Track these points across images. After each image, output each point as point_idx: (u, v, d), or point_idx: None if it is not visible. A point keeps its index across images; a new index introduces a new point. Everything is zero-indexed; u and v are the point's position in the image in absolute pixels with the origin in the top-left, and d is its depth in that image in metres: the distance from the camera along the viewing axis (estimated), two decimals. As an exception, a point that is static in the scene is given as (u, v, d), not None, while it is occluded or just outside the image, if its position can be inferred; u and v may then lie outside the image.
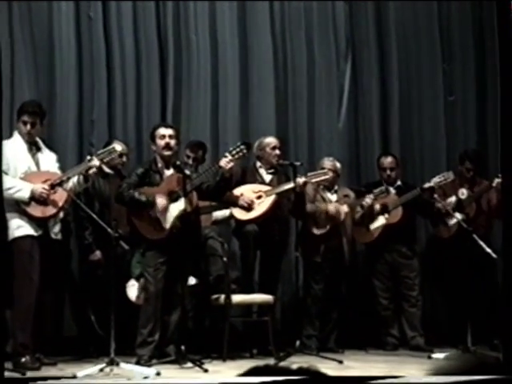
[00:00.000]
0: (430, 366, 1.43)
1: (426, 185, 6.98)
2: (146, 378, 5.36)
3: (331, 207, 6.96)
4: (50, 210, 5.76)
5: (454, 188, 7.18)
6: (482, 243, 6.44)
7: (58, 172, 5.93)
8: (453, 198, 7.12)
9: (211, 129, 7.57)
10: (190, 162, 6.82)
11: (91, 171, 5.80)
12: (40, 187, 5.70)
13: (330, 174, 6.89)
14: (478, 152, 7.48)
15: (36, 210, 5.72)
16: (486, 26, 8.02)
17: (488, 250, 6.40)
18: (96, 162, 5.78)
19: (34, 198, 5.70)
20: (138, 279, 6.36)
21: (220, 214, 6.91)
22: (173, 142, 6.19)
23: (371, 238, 7.20)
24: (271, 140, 6.94)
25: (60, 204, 5.79)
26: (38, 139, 5.96)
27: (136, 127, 7.44)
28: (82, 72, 7.33)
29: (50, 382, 1.99)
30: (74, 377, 5.19)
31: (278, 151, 6.88)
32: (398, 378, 1.54)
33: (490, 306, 7.15)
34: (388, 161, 7.34)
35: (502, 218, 7.38)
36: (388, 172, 7.30)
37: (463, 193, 7.14)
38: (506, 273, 2.32)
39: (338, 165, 7.10)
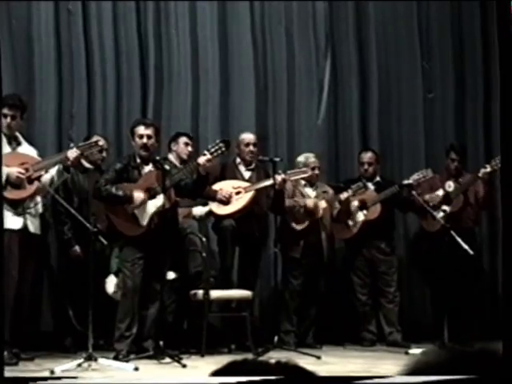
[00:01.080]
0: (407, 361, 1.42)
1: (405, 182, 7.01)
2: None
3: (309, 202, 6.98)
4: (26, 192, 5.68)
5: (441, 181, 7.22)
6: (459, 240, 6.48)
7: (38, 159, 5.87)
8: (440, 192, 7.16)
9: (191, 125, 7.56)
10: (173, 156, 6.80)
11: (69, 162, 5.73)
12: (15, 171, 5.63)
13: (310, 172, 6.92)
14: (462, 144, 7.53)
15: (11, 193, 5.63)
16: (465, 24, 8.08)
17: (465, 247, 6.45)
18: (75, 152, 5.72)
19: (10, 182, 5.63)
20: (116, 274, 6.35)
21: (198, 211, 6.91)
22: (151, 142, 6.14)
23: (350, 234, 7.23)
24: (245, 136, 6.95)
25: (34, 186, 5.71)
26: (18, 134, 5.92)
27: (116, 122, 7.42)
28: (61, 67, 7.29)
29: (50, 382, 1.99)
30: (66, 377, 5.17)
31: (251, 147, 6.89)
32: (385, 378, 1.54)
33: (468, 301, 7.21)
34: (368, 156, 7.38)
35: (489, 211, 7.48)
36: (366, 167, 7.33)
37: (450, 185, 7.18)
38: (506, 272, 2.34)
39: (314, 159, 7.11)
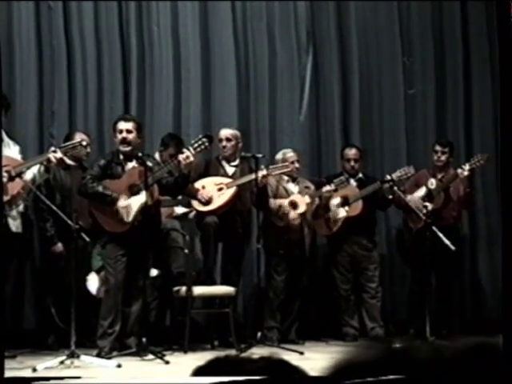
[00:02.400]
0: (340, 354, 1.40)
1: (387, 179, 7.04)
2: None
3: (295, 198, 7.02)
4: (4, 197, 5.66)
5: (425, 178, 7.26)
6: (441, 235, 6.52)
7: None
8: (423, 189, 7.19)
9: (173, 121, 7.56)
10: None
11: (52, 163, 5.74)
12: None
13: (292, 167, 6.94)
14: (448, 140, 7.56)
15: None
16: (446, 20, 8.11)
17: (447, 243, 6.49)
18: (59, 154, 5.72)
19: None
20: (98, 272, 6.33)
21: (180, 210, 6.91)
22: (131, 137, 6.13)
23: (332, 231, 7.25)
24: (220, 132, 6.94)
25: (14, 192, 5.70)
26: (1, 130, 5.89)
27: (97, 119, 7.40)
28: (42, 63, 7.27)
29: (52, 382, 1.97)
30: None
31: (225, 143, 6.88)
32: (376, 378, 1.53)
33: (449, 296, 7.26)
34: (352, 152, 7.38)
35: (467, 209, 7.52)
36: (352, 163, 7.33)
37: (432, 183, 7.22)
38: (507, 270, 2.35)
39: (292, 154, 7.12)
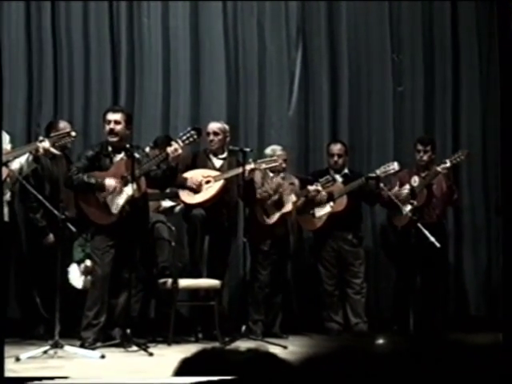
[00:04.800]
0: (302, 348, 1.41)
1: (371, 174, 7.06)
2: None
3: (275, 180, 7.05)
4: None
5: (410, 176, 7.28)
6: (426, 232, 6.55)
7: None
8: (407, 186, 7.21)
9: (162, 113, 7.55)
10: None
11: (40, 153, 5.72)
12: None
13: (280, 161, 6.95)
14: (430, 137, 7.59)
15: None
16: (435, 18, 8.13)
17: (432, 239, 6.51)
18: (46, 143, 5.71)
19: None
20: (79, 264, 6.29)
21: (167, 204, 6.90)
22: (118, 128, 6.11)
23: (316, 226, 7.26)
24: (208, 126, 6.93)
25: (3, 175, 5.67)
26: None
27: (84, 109, 7.38)
28: (30, 53, 7.25)
29: (45, 382, 1.97)
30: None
31: (212, 137, 6.87)
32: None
33: (433, 293, 7.28)
34: (337, 147, 7.38)
35: (451, 205, 7.55)
36: (336, 158, 7.33)
37: (415, 180, 7.24)
38: (506, 269, 2.37)
39: (281, 152, 7.14)
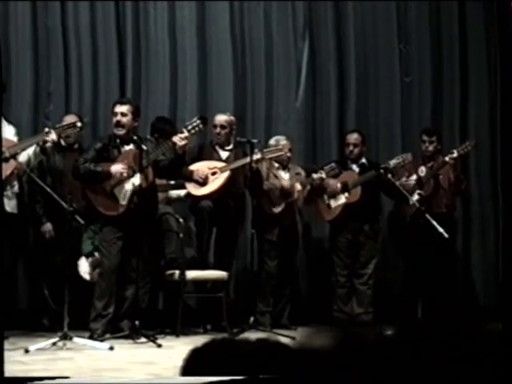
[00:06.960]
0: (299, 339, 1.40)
1: (382, 165, 7.04)
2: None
3: (285, 183, 7.02)
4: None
5: (416, 166, 7.25)
6: (434, 223, 6.53)
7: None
8: (414, 177, 7.19)
9: (170, 105, 7.54)
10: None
11: (48, 144, 5.74)
12: None
13: (286, 151, 6.94)
14: (435, 128, 7.56)
15: None
16: (443, 8, 8.09)
17: (440, 230, 6.50)
18: (53, 135, 5.73)
19: None
20: (87, 257, 6.29)
21: (175, 193, 6.90)
22: (125, 120, 6.11)
23: (332, 217, 7.21)
24: (215, 118, 6.93)
25: (7, 173, 5.68)
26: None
27: (92, 101, 7.38)
28: (37, 44, 7.25)
29: (46, 382, 1.98)
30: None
31: (219, 130, 6.87)
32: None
33: (443, 284, 7.27)
34: (353, 137, 7.33)
35: (459, 196, 7.52)
36: (351, 148, 7.27)
37: (422, 170, 7.22)
38: (507, 267, 2.37)
39: (285, 141, 7.12)
